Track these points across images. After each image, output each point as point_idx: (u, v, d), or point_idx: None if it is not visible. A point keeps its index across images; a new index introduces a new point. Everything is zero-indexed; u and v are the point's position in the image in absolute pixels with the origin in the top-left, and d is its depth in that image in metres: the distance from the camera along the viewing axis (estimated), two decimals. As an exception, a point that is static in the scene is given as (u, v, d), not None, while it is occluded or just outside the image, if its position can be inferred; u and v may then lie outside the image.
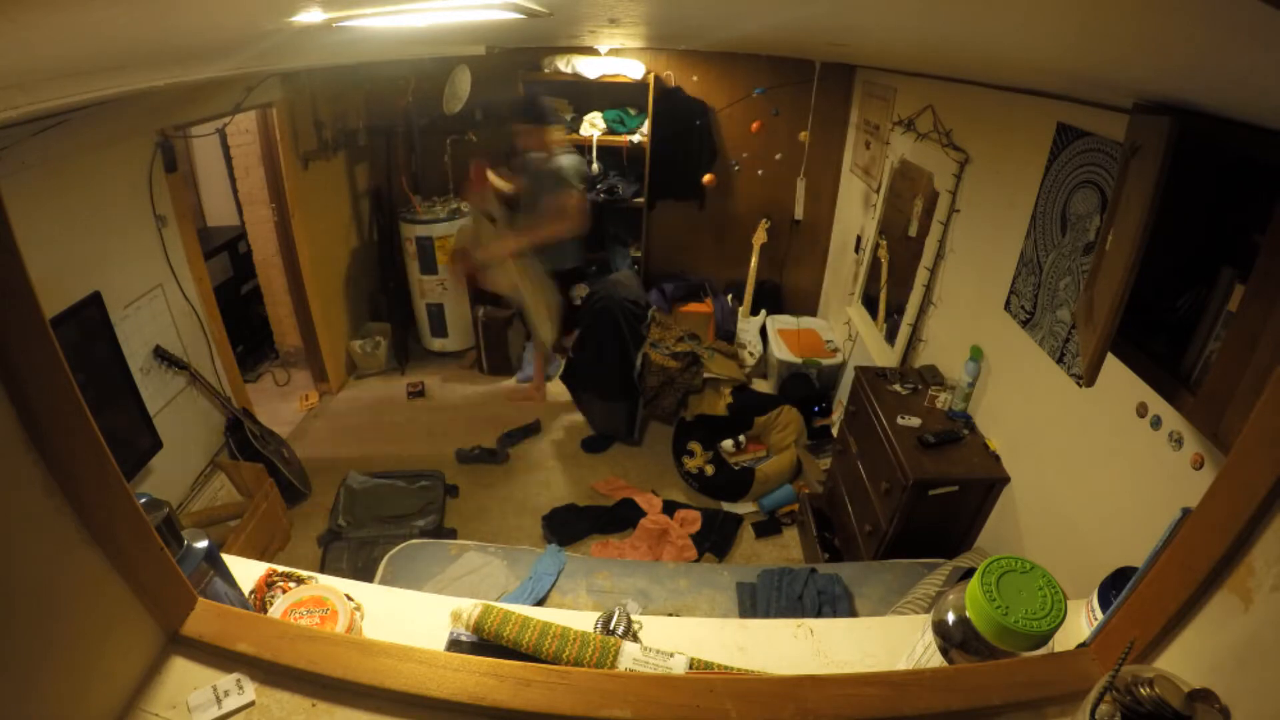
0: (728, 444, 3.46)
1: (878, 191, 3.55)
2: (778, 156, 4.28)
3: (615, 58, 3.97)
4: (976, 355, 2.33)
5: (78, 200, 2.26)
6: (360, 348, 4.35)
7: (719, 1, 1.41)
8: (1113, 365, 1.56)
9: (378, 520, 2.88)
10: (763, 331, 4.32)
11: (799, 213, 4.23)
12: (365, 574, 2.55)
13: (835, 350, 3.99)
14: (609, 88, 4.09)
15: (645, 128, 4.07)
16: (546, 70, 3.99)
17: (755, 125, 4.10)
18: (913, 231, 3.00)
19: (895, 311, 3.14)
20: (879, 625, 1.19)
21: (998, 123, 2.37)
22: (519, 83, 4.01)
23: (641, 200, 4.27)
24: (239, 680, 0.78)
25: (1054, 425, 1.93)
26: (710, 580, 2.01)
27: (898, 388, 2.57)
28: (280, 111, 3.37)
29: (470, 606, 1.09)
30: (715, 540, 3.00)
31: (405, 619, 1.11)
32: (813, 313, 4.73)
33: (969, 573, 1.73)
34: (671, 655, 1.01)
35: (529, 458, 3.64)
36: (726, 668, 1.02)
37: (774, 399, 3.76)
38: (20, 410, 0.59)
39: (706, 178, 4.15)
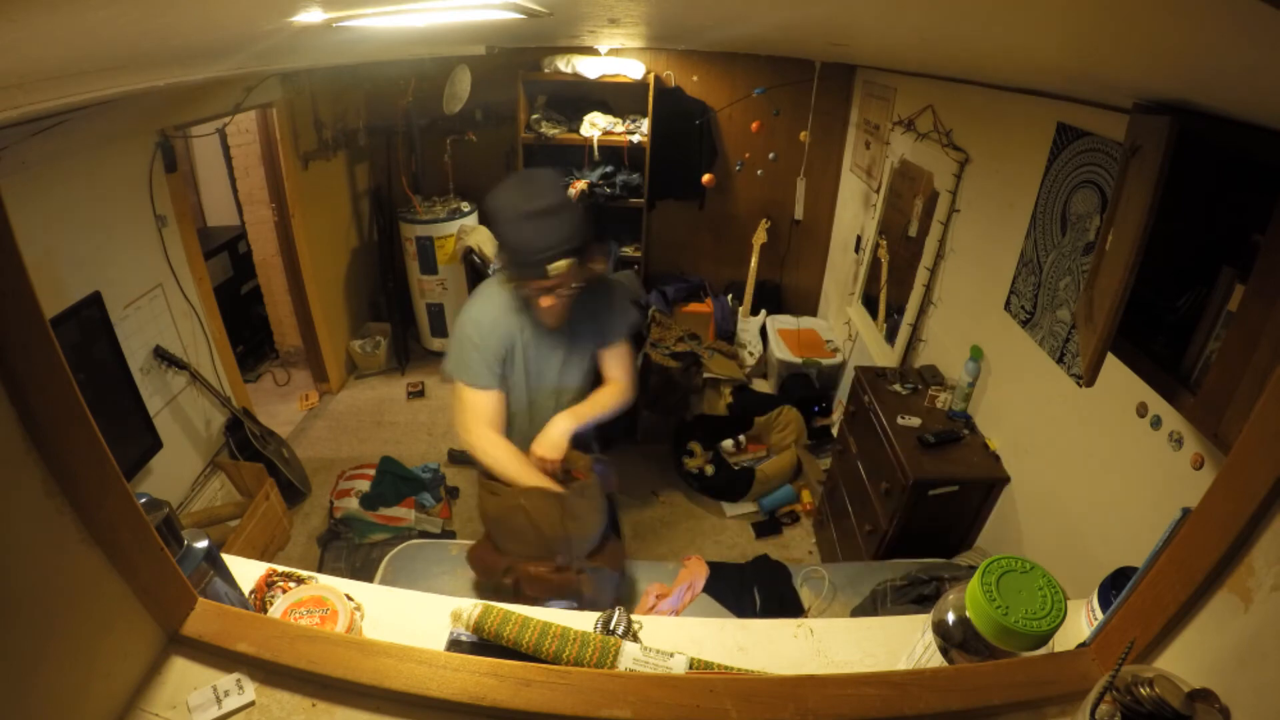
0: (728, 444, 3.46)
1: (878, 191, 3.55)
2: (772, 156, 4.27)
3: (615, 58, 3.97)
4: (976, 355, 2.33)
5: (78, 200, 2.26)
6: (360, 348, 4.35)
7: (719, 1, 1.40)
8: (1113, 365, 1.56)
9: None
10: (763, 331, 4.32)
11: (799, 213, 4.22)
12: (365, 574, 2.55)
13: (835, 350, 3.99)
14: (609, 88, 4.09)
15: (645, 128, 4.07)
16: (546, 70, 3.99)
17: (755, 125, 4.10)
18: (913, 231, 3.00)
19: (895, 311, 3.14)
20: (879, 625, 1.19)
21: (998, 123, 2.37)
22: (519, 82, 4.01)
23: (641, 200, 4.27)
24: (239, 680, 0.78)
25: (1054, 425, 1.93)
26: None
27: (898, 388, 2.57)
28: (280, 111, 3.37)
29: (470, 606, 1.09)
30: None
31: (405, 619, 1.11)
32: (813, 313, 4.73)
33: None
34: (671, 655, 1.01)
35: (529, 458, 3.64)
36: (726, 668, 1.02)
37: (774, 399, 3.76)
38: (20, 410, 0.59)
39: (706, 178, 4.15)
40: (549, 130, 4.11)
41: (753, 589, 1.98)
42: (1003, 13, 0.82)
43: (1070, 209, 1.88)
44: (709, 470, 3.34)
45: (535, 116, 4.16)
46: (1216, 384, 1.25)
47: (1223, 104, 1.04)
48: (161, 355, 2.68)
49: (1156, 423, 1.51)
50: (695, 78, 4.21)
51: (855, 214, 4.04)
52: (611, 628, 1.11)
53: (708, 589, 1.95)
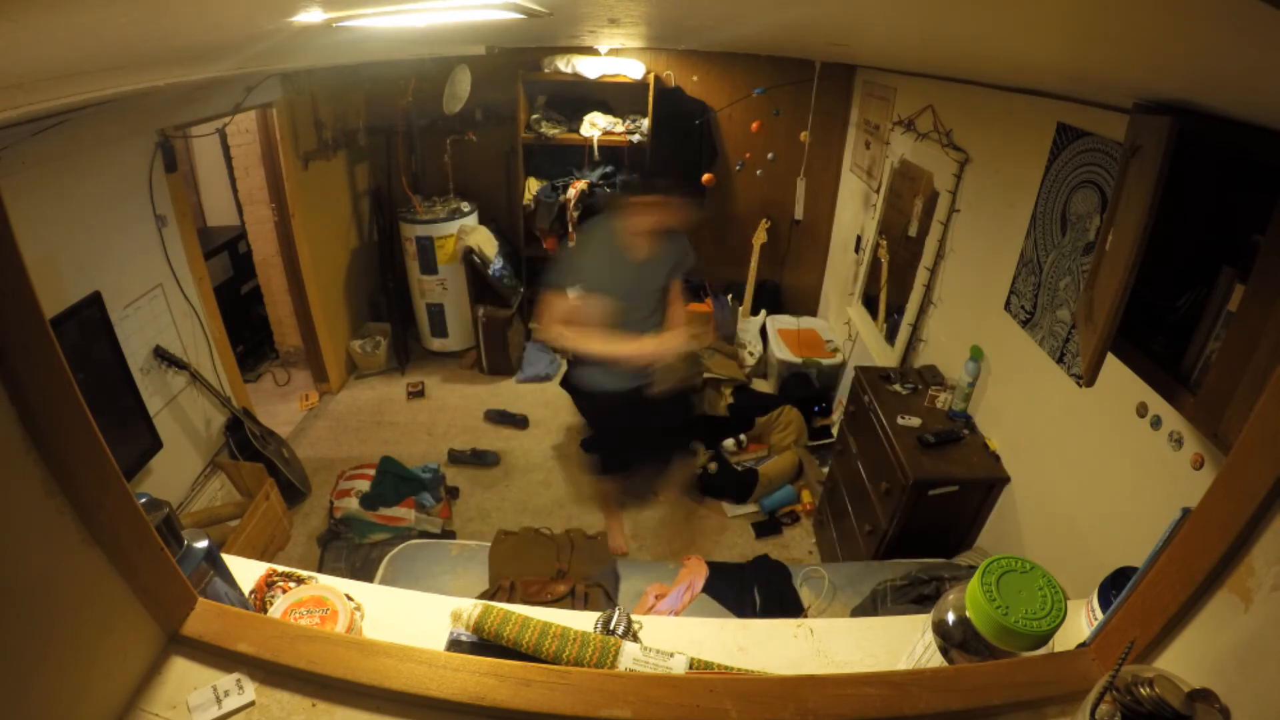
0: (729, 443, 3.47)
1: (878, 191, 3.55)
2: (770, 156, 4.27)
3: (615, 58, 3.97)
4: (976, 355, 2.33)
5: (78, 200, 2.26)
6: (360, 348, 4.35)
7: (719, 1, 1.41)
8: (1113, 365, 1.56)
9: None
10: (763, 331, 4.32)
11: (799, 213, 4.22)
12: (365, 574, 2.55)
13: (835, 350, 3.99)
14: (609, 88, 4.09)
15: (645, 128, 4.07)
16: (546, 70, 3.99)
17: (755, 125, 4.10)
18: (913, 231, 3.00)
19: (895, 311, 3.14)
20: (879, 625, 1.18)
21: (998, 123, 2.37)
22: (519, 82, 4.01)
23: (641, 200, 4.26)
24: (239, 680, 0.78)
25: (1054, 425, 1.93)
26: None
27: (898, 388, 2.57)
28: (280, 111, 3.37)
29: (470, 606, 1.09)
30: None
31: (405, 619, 1.11)
32: (813, 313, 4.73)
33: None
34: (671, 655, 1.00)
35: (529, 458, 3.64)
36: (726, 668, 1.02)
37: (774, 399, 3.76)
38: (20, 410, 0.59)
39: (706, 177, 4.15)
40: (549, 130, 4.11)
41: (753, 589, 1.98)
42: (1004, 13, 0.82)
43: (1070, 209, 1.88)
44: (712, 468, 3.34)
45: (535, 116, 4.16)
46: (1216, 384, 1.25)
47: (1223, 104, 1.04)
48: (161, 355, 2.68)
49: (1156, 423, 1.51)
50: (695, 78, 4.20)
51: (855, 214, 4.04)
52: (611, 628, 1.11)
53: (708, 589, 1.95)
